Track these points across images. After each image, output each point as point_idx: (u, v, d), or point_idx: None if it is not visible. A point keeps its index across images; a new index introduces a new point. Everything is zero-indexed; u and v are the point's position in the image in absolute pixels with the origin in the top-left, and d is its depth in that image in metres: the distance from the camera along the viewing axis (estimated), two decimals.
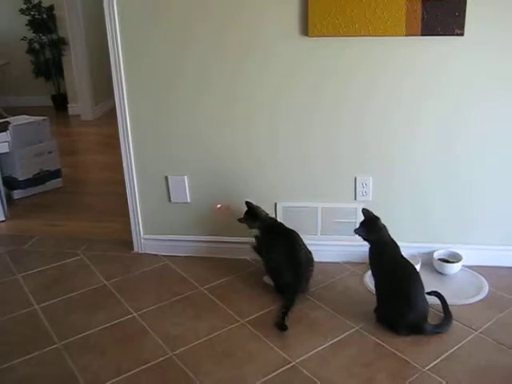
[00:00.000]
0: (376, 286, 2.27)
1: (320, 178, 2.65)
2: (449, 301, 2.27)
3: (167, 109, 2.66)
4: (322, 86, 2.49)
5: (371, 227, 2.25)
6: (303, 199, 2.70)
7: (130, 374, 2.02)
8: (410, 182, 2.58)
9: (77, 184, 4.15)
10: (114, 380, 1.99)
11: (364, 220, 2.28)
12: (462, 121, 2.45)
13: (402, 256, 2.24)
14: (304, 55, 2.45)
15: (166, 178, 2.79)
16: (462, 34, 2.28)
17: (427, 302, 2.17)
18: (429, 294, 2.22)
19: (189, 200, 2.81)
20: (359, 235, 2.26)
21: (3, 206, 3.49)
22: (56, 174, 4.03)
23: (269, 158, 2.66)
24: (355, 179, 2.61)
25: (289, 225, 2.63)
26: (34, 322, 2.37)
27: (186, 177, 2.76)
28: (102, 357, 2.13)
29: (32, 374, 2.05)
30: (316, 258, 2.59)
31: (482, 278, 2.53)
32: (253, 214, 2.56)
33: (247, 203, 2.57)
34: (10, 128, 3.59)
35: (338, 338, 2.17)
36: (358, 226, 2.28)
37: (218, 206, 1.71)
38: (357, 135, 2.55)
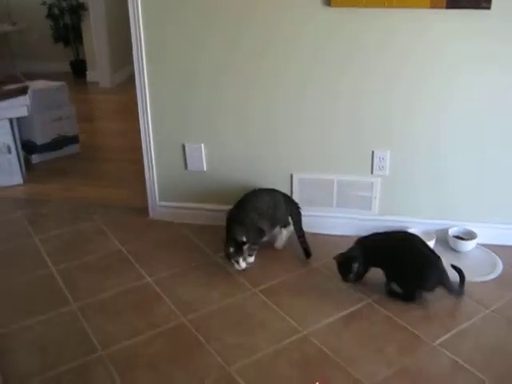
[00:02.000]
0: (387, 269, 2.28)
1: (337, 151, 2.64)
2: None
3: (187, 76, 2.65)
4: (345, 58, 2.46)
5: (353, 254, 2.26)
6: (319, 171, 2.69)
7: (142, 336, 2.06)
8: (427, 157, 2.56)
9: (94, 150, 4.17)
10: (127, 342, 2.03)
11: (343, 261, 2.27)
12: (486, 97, 2.41)
13: (391, 232, 2.30)
14: (327, 26, 2.41)
15: (183, 145, 2.79)
16: (488, 8, 2.23)
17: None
18: (453, 267, 2.25)
19: (205, 169, 2.81)
20: (357, 267, 2.25)
21: (22, 170, 3.53)
22: (74, 139, 4.06)
23: (286, 128, 2.65)
24: (372, 153, 2.59)
25: (304, 196, 2.65)
26: (50, 284, 2.41)
27: (202, 145, 2.77)
28: (116, 319, 2.16)
29: (47, 333, 2.10)
30: (330, 231, 2.64)
31: (496, 257, 2.52)
32: (237, 242, 2.40)
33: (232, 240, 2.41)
34: (29, 92, 3.61)
35: (349, 310, 2.19)
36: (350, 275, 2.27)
37: None
38: (377, 109, 2.52)
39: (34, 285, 2.42)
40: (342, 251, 2.29)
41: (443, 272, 2.19)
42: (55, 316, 2.19)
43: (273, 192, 2.59)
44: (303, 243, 2.57)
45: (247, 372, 1.88)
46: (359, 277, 2.31)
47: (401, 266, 2.21)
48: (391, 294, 2.25)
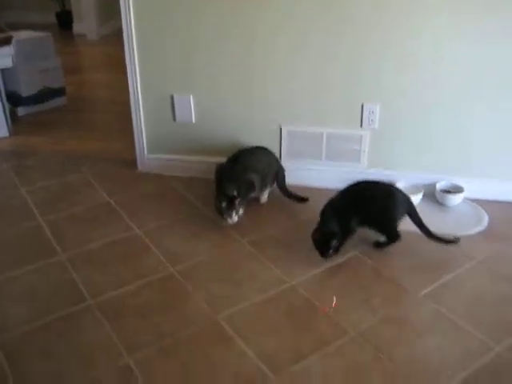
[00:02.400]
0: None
1: (327, 103, 2.61)
2: (449, 231, 2.31)
3: (174, 27, 2.60)
4: (341, 17, 2.41)
5: (331, 229, 2.19)
6: (308, 124, 2.67)
7: (130, 287, 2.07)
8: (417, 111, 2.54)
9: (81, 102, 4.12)
10: (116, 292, 2.05)
11: (322, 237, 2.19)
12: (475, 57, 2.38)
13: (346, 188, 2.29)
14: None
15: (172, 96, 2.75)
16: None
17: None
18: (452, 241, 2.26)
19: (194, 120, 2.79)
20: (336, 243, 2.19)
21: (7, 123, 3.48)
22: (60, 91, 3.99)
23: (276, 80, 2.62)
24: (362, 106, 2.57)
25: (293, 149, 2.63)
26: (37, 235, 2.41)
27: (191, 96, 2.73)
28: (104, 270, 2.17)
29: (36, 283, 2.11)
30: (319, 183, 2.65)
31: (483, 211, 2.54)
32: (228, 196, 2.39)
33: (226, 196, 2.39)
34: (13, 42, 3.52)
35: (335, 262, 2.21)
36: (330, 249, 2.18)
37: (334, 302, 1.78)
38: (368, 63, 2.49)
39: (22, 236, 2.41)
40: (317, 226, 2.22)
41: (406, 197, 2.24)
42: (43, 266, 2.20)
43: (267, 152, 2.61)
44: (291, 195, 2.62)
45: (234, 320, 1.90)
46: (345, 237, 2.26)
47: (370, 211, 2.22)
48: (377, 245, 2.28)
